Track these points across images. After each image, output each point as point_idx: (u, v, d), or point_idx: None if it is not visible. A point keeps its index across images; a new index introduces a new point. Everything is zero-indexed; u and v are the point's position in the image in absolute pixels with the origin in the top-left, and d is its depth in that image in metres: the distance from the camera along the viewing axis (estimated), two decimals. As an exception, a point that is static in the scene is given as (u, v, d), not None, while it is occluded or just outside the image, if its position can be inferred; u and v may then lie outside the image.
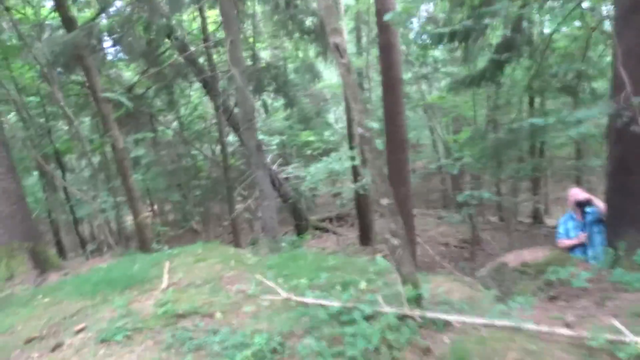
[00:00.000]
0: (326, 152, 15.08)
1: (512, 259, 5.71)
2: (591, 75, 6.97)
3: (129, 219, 14.44)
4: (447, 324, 3.13)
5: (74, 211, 12.41)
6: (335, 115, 18.70)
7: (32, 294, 5.41)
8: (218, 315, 3.60)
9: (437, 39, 6.65)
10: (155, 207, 19.48)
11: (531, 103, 11.82)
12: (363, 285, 3.95)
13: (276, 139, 14.34)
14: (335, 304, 3.40)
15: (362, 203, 13.63)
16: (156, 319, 3.69)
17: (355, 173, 13.28)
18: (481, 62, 11.40)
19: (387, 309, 3.22)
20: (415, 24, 12.23)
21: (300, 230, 14.49)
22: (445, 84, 15.67)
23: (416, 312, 3.13)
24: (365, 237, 13.54)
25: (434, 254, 11.84)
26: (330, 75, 15.82)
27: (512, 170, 10.28)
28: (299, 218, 14.55)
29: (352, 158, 12.49)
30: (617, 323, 2.86)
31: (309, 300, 3.57)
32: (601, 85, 7.68)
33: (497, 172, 8.92)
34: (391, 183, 9.70)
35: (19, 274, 5.78)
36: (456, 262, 11.51)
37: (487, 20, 5.66)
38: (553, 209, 18.41)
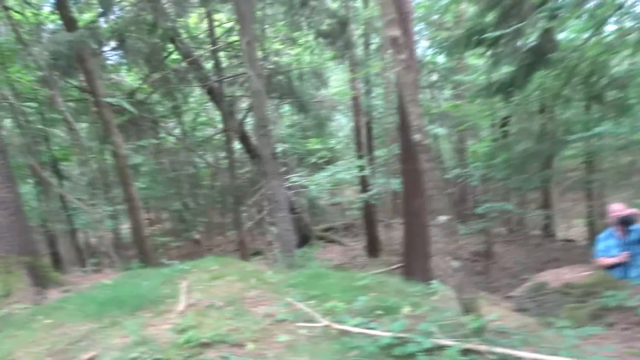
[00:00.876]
0: (330, 161, 14.71)
1: (551, 278, 5.32)
2: (621, 84, 6.65)
3: (124, 229, 13.97)
4: (519, 361, 2.73)
5: (72, 221, 11.92)
6: (339, 124, 18.34)
7: (31, 314, 4.94)
8: (249, 345, 3.17)
9: (464, 43, 6.34)
10: (152, 215, 18.99)
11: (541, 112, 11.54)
12: (407, 309, 3.55)
13: (279, 147, 13.95)
14: (385, 333, 2.99)
15: (369, 213, 13.24)
16: (177, 348, 3.26)
17: (364, 182, 12.89)
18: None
19: (447, 341, 2.81)
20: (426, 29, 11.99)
21: (304, 241, 14.05)
22: (449, 93, 15.43)
23: (483, 347, 2.72)
24: (373, 249, 13.15)
25: (443, 265, 11.45)
26: (336, 83, 15.51)
27: (524, 182, 9.93)
28: (303, 228, 14.11)
29: (361, 167, 12.11)
30: None
31: (353, 329, 3.15)
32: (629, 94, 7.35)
33: (525, 183, 8.54)
34: (405, 194, 9.28)
35: (16, 291, 5.31)
36: (469, 276, 11.09)
37: (521, 24, 5.36)
38: (558, 221, 18.07)
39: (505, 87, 6.70)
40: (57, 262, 10.35)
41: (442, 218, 2.95)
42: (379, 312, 3.51)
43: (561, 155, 12.69)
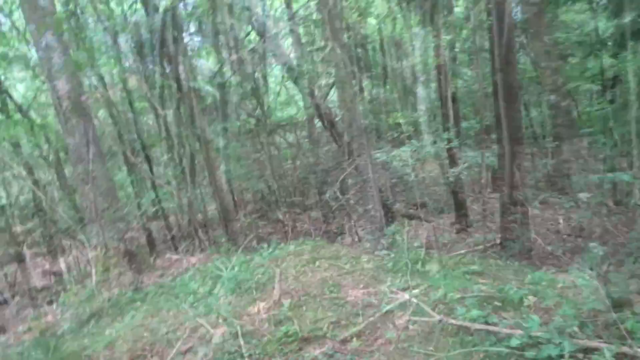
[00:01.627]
0: (413, 135, 14.01)
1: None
2: None
3: (211, 211, 14.32)
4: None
5: (163, 205, 12.37)
6: (421, 95, 17.41)
7: (129, 300, 5.03)
8: (354, 342, 2.87)
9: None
10: (237, 197, 19.40)
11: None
12: (530, 300, 3.06)
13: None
14: (513, 331, 2.55)
15: (458, 187, 12.47)
16: (276, 343, 3.03)
17: (452, 155, 12.11)
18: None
19: (595, 343, 2.32)
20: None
21: (389, 219, 13.60)
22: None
23: (644, 351, 2.21)
24: (463, 225, 12.41)
25: (544, 243, 10.53)
26: (417, 52, 14.64)
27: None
28: (388, 206, 13.64)
29: (448, 140, 11.36)
30: None
31: (472, 324, 2.73)
32: None
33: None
34: (502, 166, 8.42)
35: (115, 276, 5.46)
36: (573, 254, 10.12)
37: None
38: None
39: (631, 37, 5.72)
40: (151, 245, 10.79)
41: (584, 195, 2.42)
42: (497, 303, 3.06)
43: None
